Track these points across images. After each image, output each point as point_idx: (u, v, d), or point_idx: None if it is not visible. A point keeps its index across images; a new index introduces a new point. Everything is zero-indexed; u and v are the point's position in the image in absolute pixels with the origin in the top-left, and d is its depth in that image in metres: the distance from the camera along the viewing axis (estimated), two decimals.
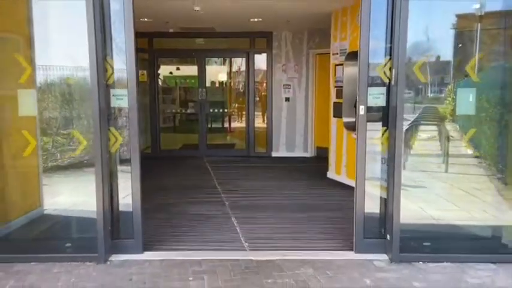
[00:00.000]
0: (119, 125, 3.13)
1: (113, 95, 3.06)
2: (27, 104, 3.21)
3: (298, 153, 8.12)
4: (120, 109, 3.08)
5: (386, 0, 3.11)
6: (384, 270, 3.07)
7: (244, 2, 5.51)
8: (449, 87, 3.75)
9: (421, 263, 3.18)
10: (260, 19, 6.78)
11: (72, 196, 3.58)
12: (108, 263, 3.17)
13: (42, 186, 3.65)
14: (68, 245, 3.25)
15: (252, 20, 6.83)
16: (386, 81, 3.18)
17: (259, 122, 8.60)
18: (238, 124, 9.23)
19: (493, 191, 3.75)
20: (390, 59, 3.12)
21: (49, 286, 2.81)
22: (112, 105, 3.08)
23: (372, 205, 3.39)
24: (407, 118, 3.66)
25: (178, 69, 9.46)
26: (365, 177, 3.29)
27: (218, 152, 8.55)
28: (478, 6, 3.27)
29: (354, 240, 3.36)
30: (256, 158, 7.94)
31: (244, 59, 8.45)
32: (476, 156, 3.83)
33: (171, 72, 9.41)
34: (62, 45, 3.32)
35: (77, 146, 3.27)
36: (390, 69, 3.13)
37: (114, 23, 3.03)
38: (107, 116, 3.05)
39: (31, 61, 3.31)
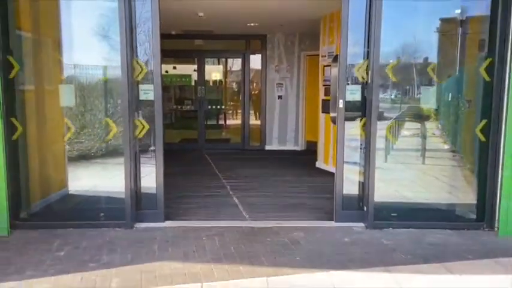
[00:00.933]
0: (146, 115, 3.79)
1: (141, 90, 3.73)
2: (69, 98, 3.86)
3: (289, 146, 8.84)
4: (147, 101, 3.74)
5: (364, 15, 3.82)
6: (360, 233, 3.79)
7: (242, 8, 6.20)
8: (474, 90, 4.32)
9: (391, 228, 3.89)
10: (256, 24, 7.47)
11: (105, 175, 4.23)
12: (134, 228, 3.83)
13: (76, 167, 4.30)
14: (101, 214, 3.90)
15: (248, 24, 7.52)
16: (363, 80, 3.89)
17: (253, 118, 9.29)
18: (234, 120, 9.89)
19: (460, 178, 4.44)
20: (368, 60, 3.83)
21: (89, 243, 3.46)
22: (140, 98, 3.74)
23: (352, 186, 4.11)
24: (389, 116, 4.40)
25: (174, 68, 10.04)
26: (343, 160, 4.00)
27: (216, 145, 9.22)
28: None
29: (334, 211, 4.06)
30: (251, 151, 8.64)
31: (240, 60, 9.15)
32: (452, 151, 4.49)
33: (166, 71, 9.99)
34: (97, 48, 3.97)
35: (109, 132, 3.92)
36: (367, 69, 3.85)
37: (143, 29, 3.70)
38: (136, 107, 3.72)
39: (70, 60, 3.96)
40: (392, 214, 4.02)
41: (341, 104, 3.86)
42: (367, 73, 3.83)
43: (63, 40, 4.13)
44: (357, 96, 3.85)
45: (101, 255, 3.23)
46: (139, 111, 3.75)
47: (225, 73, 10.08)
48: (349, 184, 4.11)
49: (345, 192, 4.09)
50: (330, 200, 4.29)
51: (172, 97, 10.12)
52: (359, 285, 2.82)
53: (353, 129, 4.06)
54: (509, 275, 2.97)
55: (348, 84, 3.87)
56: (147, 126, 3.80)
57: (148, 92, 3.72)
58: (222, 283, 2.81)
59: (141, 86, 3.73)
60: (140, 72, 3.73)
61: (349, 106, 3.91)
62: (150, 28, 3.69)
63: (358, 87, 3.84)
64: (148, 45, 3.71)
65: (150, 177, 3.97)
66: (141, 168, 3.98)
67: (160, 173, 3.88)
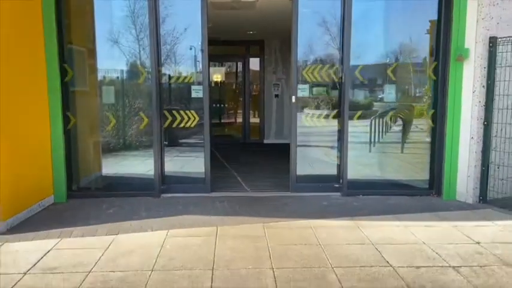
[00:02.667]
0: (196, 109, 4.91)
1: (193, 90, 4.90)
2: (109, 96, 4.98)
3: (285, 140, 9.92)
4: (197, 99, 4.87)
5: (340, 28, 4.93)
6: (336, 199, 4.89)
7: (243, 18, 7.31)
8: (426, 87, 5.34)
9: (361, 196, 4.99)
10: (255, 31, 8.59)
11: (139, 158, 5.33)
12: (161, 197, 4.93)
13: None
14: (136, 185, 5.01)
15: (248, 32, 8.64)
16: (338, 80, 5.00)
17: (253, 116, 10.39)
18: (235, 117, 10.98)
19: (421, 160, 5.46)
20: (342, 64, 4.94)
21: (129, 206, 4.55)
22: (192, 96, 4.90)
23: (332, 167, 5.20)
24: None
25: None
26: (296, 143, 5.10)
27: (219, 139, 10.31)
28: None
29: (290, 183, 5.17)
30: (251, 144, 9.73)
31: (241, 63, 10.27)
32: (420, 141, 5.51)
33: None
34: (135, 57, 5.08)
35: (141, 123, 5.02)
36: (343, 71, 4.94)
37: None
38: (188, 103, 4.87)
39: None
40: (364, 186, 5.10)
41: (293, 99, 4.98)
42: (340, 75, 4.94)
43: (115, 50, 5.19)
44: (306, 93, 4.98)
45: (140, 212, 4.34)
46: (191, 106, 4.92)
47: (228, 75, 11.17)
48: (330, 165, 5.23)
49: (328, 171, 5.22)
50: None
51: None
52: (329, 224, 3.92)
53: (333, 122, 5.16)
54: (441, 221, 4.07)
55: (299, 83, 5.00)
56: (197, 118, 4.95)
57: (198, 91, 4.86)
58: (231, 226, 3.91)
59: (193, 87, 4.91)
60: (191, 77, 4.94)
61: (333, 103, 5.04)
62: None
63: (307, 86, 4.96)
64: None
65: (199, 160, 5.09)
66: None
67: (208, 153, 5.01)
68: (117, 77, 5.25)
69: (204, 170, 5.04)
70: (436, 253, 3.32)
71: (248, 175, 6.16)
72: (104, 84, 5.19)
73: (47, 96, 4.60)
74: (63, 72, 4.74)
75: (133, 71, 5.19)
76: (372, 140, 5.59)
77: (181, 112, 5.04)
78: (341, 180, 5.07)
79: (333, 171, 5.23)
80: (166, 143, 5.14)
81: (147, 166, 5.04)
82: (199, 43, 4.90)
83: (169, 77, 5.22)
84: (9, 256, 3.28)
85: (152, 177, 4.94)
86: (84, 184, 5.15)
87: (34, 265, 3.11)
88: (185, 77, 5.19)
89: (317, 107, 5.49)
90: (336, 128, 5.13)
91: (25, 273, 2.98)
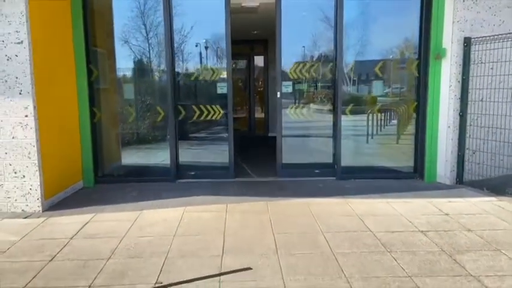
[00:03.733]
0: (221, 104, 5.58)
1: (218, 86, 5.56)
2: (130, 92, 5.66)
3: None
4: (222, 94, 5.52)
5: (334, 31, 5.54)
6: (331, 182, 5.54)
7: (248, 21, 7.94)
8: (410, 82, 5.93)
9: (352, 179, 5.62)
10: (259, 32, 9.22)
11: (157, 148, 6.00)
12: (177, 182, 5.60)
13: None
14: (154, 173, 5.69)
15: (253, 32, 9.27)
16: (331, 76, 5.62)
17: (258, 110, 11.04)
18: (241, 113, 11.63)
19: (409, 149, 6.07)
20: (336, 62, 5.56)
21: (150, 189, 5.22)
22: (217, 92, 5.56)
23: (329, 155, 5.83)
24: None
25: None
26: (282, 135, 5.73)
27: None
28: None
29: (276, 168, 5.81)
30: (257, 137, 10.38)
31: (246, 61, 10.91)
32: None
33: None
34: (151, 58, 5.74)
35: (159, 116, 5.68)
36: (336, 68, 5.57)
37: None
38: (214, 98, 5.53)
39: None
40: (356, 171, 5.72)
41: (278, 94, 5.61)
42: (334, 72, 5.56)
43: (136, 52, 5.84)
44: (289, 89, 5.61)
45: (160, 194, 5.02)
46: (217, 101, 5.59)
47: (234, 72, 11.78)
48: (326, 154, 5.86)
49: (324, 159, 5.86)
50: None
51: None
52: (323, 202, 4.57)
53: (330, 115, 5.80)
54: (419, 198, 4.70)
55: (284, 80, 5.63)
56: (222, 112, 5.60)
57: (223, 88, 5.52)
58: (239, 204, 4.58)
59: (218, 84, 5.57)
60: (213, 75, 5.60)
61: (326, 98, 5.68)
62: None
63: (290, 82, 5.60)
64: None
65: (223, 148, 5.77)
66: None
67: (231, 143, 5.69)
68: (139, 76, 5.90)
69: (228, 159, 5.74)
70: (410, 222, 3.97)
71: (253, 164, 6.80)
72: (127, 82, 5.87)
73: (76, 93, 5.27)
74: (90, 72, 5.41)
75: (153, 71, 5.85)
76: (364, 131, 6.20)
77: (208, 106, 5.69)
78: (336, 166, 5.71)
79: (330, 159, 5.86)
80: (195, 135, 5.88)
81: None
82: (224, 44, 5.53)
83: (197, 75, 5.83)
84: (55, 226, 3.97)
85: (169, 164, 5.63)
86: (108, 171, 5.82)
87: (77, 233, 3.80)
88: (211, 75, 5.75)
89: (311, 102, 6.08)
90: (331, 121, 5.76)
91: (71, 238, 3.67)
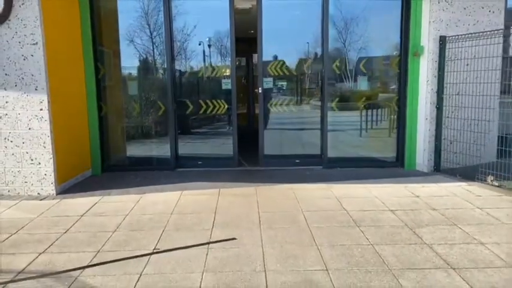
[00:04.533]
0: (226, 99, 6.07)
1: (223, 82, 6.04)
2: (133, 89, 6.16)
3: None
4: (226, 90, 6.01)
5: (320, 30, 5.99)
6: (317, 170, 6.00)
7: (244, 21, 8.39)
8: (391, 77, 6.37)
9: (338, 168, 6.09)
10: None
11: (158, 141, 6.50)
12: (176, 170, 6.10)
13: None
14: (155, 163, 6.20)
15: (249, 31, 9.70)
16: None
17: (257, 107, 11.48)
18: (242, 109, 12.07)
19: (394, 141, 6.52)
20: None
21: (152, 176, 5.72)
22: (222, 88, 6.04)
23: (315, 146, 6.28)
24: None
25: None
26: (264, 127, 6.19)
27: None
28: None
29: (259, 159, 6.28)
30: (255, 131, 10.81)
31: (244, 58, 11.37)
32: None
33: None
34: (154, 56, 6.23)
35: (159, 110, 6.18)
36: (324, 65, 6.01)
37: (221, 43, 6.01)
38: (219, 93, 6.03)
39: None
40: (341, 161, 6.19)
41: (260, 90, 6.08)
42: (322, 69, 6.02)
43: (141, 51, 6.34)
44: (270, 85, 6.07)
45: (161, 179, 5.53)
46: (222, 96, 6.09)
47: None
48: (313, 145, 6.32)
49: (312, 151, 6.31)
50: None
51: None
52: (307, 187, 5.05)
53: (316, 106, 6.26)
54: (396, 184, 5.16)
55: (266, 77, 6.10)
56: (227, 106, 6.11)
57: (227, 84, 6.01)
58: (230, 189, 5.07)
59: (223, 80, 6.06)
60: (218, 71, 6.13)
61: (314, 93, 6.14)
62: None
63: (271, 79, 6.09)
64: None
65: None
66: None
67: (235, 136, 6.20)
68: (143, 73, 6.40)
69: (232, 150, 6.26)
70: (382, 203, 4.43)
71: (248, 155, 7.28)
72: (131, 79, 6.38)
73: (85, 89, 5.78)
74: (97, 70, 5.91)
75: (156, 69, 6.35)
76: (350, 124, 6.64)
77: (214, 101, 6.18)
78: (322, 157, 6.18)
79: (317, 150, 6.33)
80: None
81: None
82: (228, 43, 6.04)
83: (205, 72, 6.33)
84: (67, 206, 4.49)
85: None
86: (113, 161, 6.33)
87: (87, 211, 4.31)
88: (217, 71, 6.25)
89: (303, 97, 6.55)
90: (319, 115, 6.22)
91: (82, 215, 4.18)
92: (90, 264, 3.11)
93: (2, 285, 2.80)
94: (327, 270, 2.95)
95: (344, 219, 3.98)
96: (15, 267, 3.08)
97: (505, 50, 5.88)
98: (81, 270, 3.01)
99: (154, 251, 3.32)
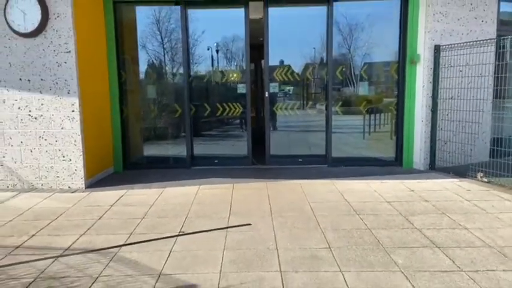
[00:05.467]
0: (241, 102, 6.59)
1: (238, 87, 6.56)
2: (152, 93, 6.69)
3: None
4: (241, 94, 6.53)
5: (325, 41, 6.49)
6: (323, 168, 6.50)
7: (253, 29, 8.92)
8: (390, 83, 6.89)
9: (342, 166, 6.57)
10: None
11: (173, 141, 7.02)
12: (192, 168, 6.61)
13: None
14: (171, 162, 6.72)
15: (259, 38, 10.25)
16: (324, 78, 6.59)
17: None
18: (251, 112, 12.58)
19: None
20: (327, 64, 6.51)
21: (171, 173, 6.23)
22: (238, 92, 6.58)
23: (321, 147, 6.77)
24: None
25: None
26: (270, 128, 6.69)
27: None
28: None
29: (265, 159, 6.77)
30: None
31: (253, 64, 11.89)
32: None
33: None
34: (172, 63, 6.76)
35: (176, 112, 6.70)
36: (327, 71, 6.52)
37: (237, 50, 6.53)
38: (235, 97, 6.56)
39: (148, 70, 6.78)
40: (344, 161, 6.68)
41: (266, 94, 6.58)
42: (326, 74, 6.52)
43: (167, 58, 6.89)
44: (276, 90, 6.59)
45: (180, 176, 6.04)
46: (237, 100, 6.64)
47: None
48: (318, 146, 6.81)
49: (318, 151, 6.80)
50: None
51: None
52: (313, 182, 5.53)
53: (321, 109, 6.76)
54: (394, 180, 5.63)
55: (272, 81, 6.61)
56: (241, 109, 6.63)
57: (242, 88, 6.53)
58: (243, 184, 5.56)
59: (238, 85, 6.58)
60: (232, 76, 6.60)
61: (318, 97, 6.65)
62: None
63: (277, 84, 6.59)
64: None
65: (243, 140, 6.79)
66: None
67: (249, 137, 6.74)
68: (159, 79, 6.93)
69: (246, 150, 6.81)
70: (380, 195, 4.91)
71: (257, 155, 7.79)
72: (149, 84, 6.91)
73: (109, 93, 6.32)
74: (120, 76, 6.45)
75: (172, 73, 6.88)
76: (353, 126, 7.14)
77: (230, 104, 6.71)
78: (327, 156, 6.67)
79: (323, 149, 6.82)
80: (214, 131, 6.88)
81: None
82: (243, 51, 6.58)
83: (222, 77, 6.85)
84: (97, 198, 5.01)
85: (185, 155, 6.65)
86: (134, 160, 6.86)
87: (115, 202, 4.83)
88: (232, 77, 6.79)
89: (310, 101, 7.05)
90: (323, 118, 6.72)
91: (112, 205, 4.70)
92: (125, 243, 3.61)
93: (54, 258, 3.31)
94: (329, 248, 3.44)
95: (346, 208, 4.46)
96: (61, 245, 3.59)
97: (498, 57, 6.36)
98: (119, 248, 3.52)
99: (180, 233, 3.82)
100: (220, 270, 3.07)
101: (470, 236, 3.66)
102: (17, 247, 3.57)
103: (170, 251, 3.42)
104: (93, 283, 2.90)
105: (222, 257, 3.29)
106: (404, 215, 4.22)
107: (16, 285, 2.89)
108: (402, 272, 3.01)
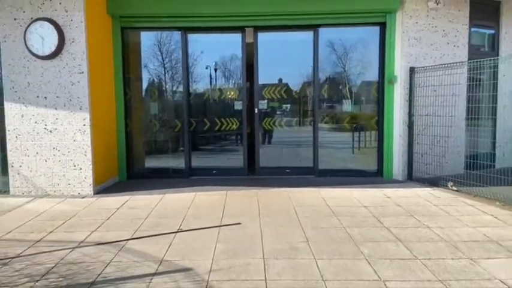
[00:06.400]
0: (237, 117, 7.20)
1: (235, 103, 7.20)
2: (154, 109, 7.33)
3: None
4: (238, 110, 7.17)
5: (312, 60, 7.16)
6: (310, 178, 7.08)
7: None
8: (372, 101, 7.58)
9: (328, 177, 7.16)
10: None
11: (173, 154, 7.62)
12: (190, 178, 7.19)
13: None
14: (171, 173, 7.30)
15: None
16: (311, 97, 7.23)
17: None
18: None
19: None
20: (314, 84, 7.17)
21: (171, 182, 6.80)
22: (235, 108, 7.20)
23: (308, 160, 7.37)
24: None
25: None
26: (260, 142, 7.30)
27: None
28: None
29: (255, 169, 7.37)
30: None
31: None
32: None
33: None
34: (171, 81, 7.41)
35: (176, 127, 7.32)
36: (314, 89, 7.17)
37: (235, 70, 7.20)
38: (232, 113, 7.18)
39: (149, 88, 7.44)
40: (332, 172, 7.27)
41: (256, 110, 7.21)
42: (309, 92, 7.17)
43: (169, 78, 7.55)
44: (264, 107, 7.22)
45: (178, 184, 6.61)
46: (234, 115, 7.24)
47: None
48: (307, 159, 7.40)
49: (306, 163, 7.39)
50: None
51: None
52: (300, 190, 6.11)
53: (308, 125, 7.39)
54: (373, 188, 6.21)
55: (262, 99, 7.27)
56: (238, 124, 7.25)
57: (238, 105, 7.17)
58: (236, 191, 6.14)
59: (235, 102, 7.22)
60: (236, 95, 7.24)
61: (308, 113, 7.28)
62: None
63: (265, 101, 7.22)
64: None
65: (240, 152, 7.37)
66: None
67: (246, 146, 7.30)
68: (160, 96, 7.58)
69: (242, 162, 7.38)
70: (359, 201, 5.49)
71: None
72: (152, 101, 7.55)
73: (115, 109, 6.94)
74: (125, 93, 7.09)
75: (172, 91, 7.53)
76: (338, 141, 7.75)
77: (227, 119, 7.33)
78: (314, 167, 7.26)
79: (310, 162, 7.41)
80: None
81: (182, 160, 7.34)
82: (240, 71, 7.23)
83: (220, 95, 7.50)
84: (105, 202, 5.58)
85: (183, 166, 7.24)
86: (136, 170, 7.44)
87: (121, 206, 5.40)
88: (236, 95, 7.45)
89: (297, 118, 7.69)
90: (311, 133, 7.34)
91: (118, 208, 5.26)
92: (132, 238, 4.18)
93: (71, 249, 3.87)
94: (307, 242, 4.00)
95: (326, 211, 5.04)
96: (76, 239, 4.15)
97: (470, 78, 7.02)
98: (126, 241, 4.08)
99: (179, 230, 4.39)
100: (213, 258, 3.63)
101: (430, 233, 4.23)
102: (38, 241, 4.12)
103: (170, 244, 3.98)
104: (105, 267, 3.46)
105: (215, 248, 3.85)
106: (377, 217, 4.80)
107: (40, 268, 3.45)
108: (367, 260, 3.58)
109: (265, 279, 3.21)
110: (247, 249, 3.83)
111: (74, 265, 3.51)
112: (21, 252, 3.80)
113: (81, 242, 4.08)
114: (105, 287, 3.11)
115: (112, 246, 3.94)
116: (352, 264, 3.49)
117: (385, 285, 3.11)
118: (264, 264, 3.48)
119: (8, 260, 3.63)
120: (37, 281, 3.22)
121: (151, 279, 3.23)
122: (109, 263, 3.54)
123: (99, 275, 3.31)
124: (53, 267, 3.46)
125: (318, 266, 3.44)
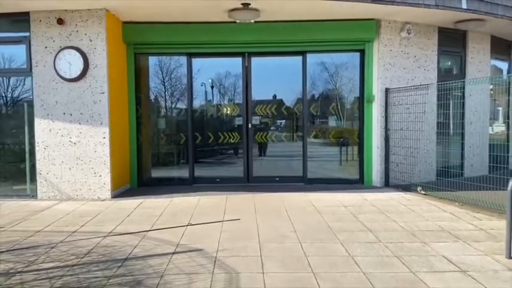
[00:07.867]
0: (238, 131, 8.15)
1: (236, 120, 8.17)
2: (162, 124, 8.30)
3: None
4: (239, 125, 8.12)
5: (302, 81, 8.18)
6: (300, 186, 8.02)
7: None
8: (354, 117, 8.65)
9: (315, 184, 8.10)
10: None
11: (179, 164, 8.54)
12: (193, 185, 8.11)
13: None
14: (176, 181, 8.21)
15: None
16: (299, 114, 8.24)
17: None
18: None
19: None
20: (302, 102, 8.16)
21: (176, 189, 7.71)
22: (236, 124, 8.16)
23: (299, 169, 8.33)
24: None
25: None
26: (252, 155, 8.28)
27: None
28: None
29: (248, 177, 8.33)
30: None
31: None
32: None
33: None
34: (178, 100, 8.39)
35: (182, 140, 8.26)
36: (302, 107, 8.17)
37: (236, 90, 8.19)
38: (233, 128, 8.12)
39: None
40: (319, 180, 8.23)
41: (250, 125, 8.19)
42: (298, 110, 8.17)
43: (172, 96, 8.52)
44: (257, 123, 8.21)
45: (183, 190, 7.52)
46: (235, 130, 8.19)
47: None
48: (296, 169, 8.36)
49: (295, 173, 8.35)
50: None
51: None
52: (290, 194, 7.04)
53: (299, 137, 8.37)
54: (354, 193, 7.16)
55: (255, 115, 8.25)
56: (239, 137, 8.19)
57: (239, 121, 8.13)
58: (235, 196, 7.06)
59: (236, 118, 8.18)
60: (233, 111, 8.23)
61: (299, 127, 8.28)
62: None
63: (258, 117, 8.22)
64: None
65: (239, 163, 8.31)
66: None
67: (246, 156, 8.21)
68: (169, 113, 8.55)
69: (242, 172, 8.28)
70: (340, 202, 6.44)
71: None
72: (159, 117, 8.51)
73: (128, 124, 7.89)
74: (137, 110, 8.05)
75: (178, 109, 8.50)
76: (325, 153, 8.74)
77: (230, 133, 8.29)
78: (303, 176, 8.21)
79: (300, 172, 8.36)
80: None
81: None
82: (240, 90, 8.22)
83: (222, 111, 8.48)
84: (122, 204, 6.48)
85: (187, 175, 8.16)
86: (146, 178, 8.34)
87: (137, 206, 6.30)
88: (233, 111, 8.43)
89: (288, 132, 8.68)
90: (301, 146, 8.31)
91: (135, 208, 6.17)
92: (151, 229, 5.08)
93: (103, 237, 4.77)
94: (295, 231, 4.94)
95: (312, 210, 5.98)
96: (105, 230, 5.05)
97: (439, 97, 8.05)
98: (146, 232, 4.98)
99: (189, 224, 5.30)
100: (219, 242, 4.55)
101: (396, 225, 5.18)
102: (73, 232, 5.02)
103: (183, 233, 4.90)
104: (134, 248, 4.37)
105: (220, 236, 4.77)
106: (354, 214, 5.74)
107: (82, 250, 4.35)
108: (341, 243, 4.51)
109: (261, 256, 4.13)
110: (246, 236, 4.76)
111: (108, 248, 4.41)
112: (63, 239, 4.70)
113: (110, 232, 4.98)
114: (137, 260, 4.02)
115: (136, 235, 4.84)
116: (329, 246, 4.43)
117: (353, 259, 4.05)
118: (260, 246, 4.40)
119: (53, 245, 4.52)
120: (82, 257, 4.12)
121: (172, 256, 4.14)
122: (136, 245, 4.45)
123: (130, 253, 4.22)
124: (92, 249, 4.36)
125: (302, 248, 4.37)
